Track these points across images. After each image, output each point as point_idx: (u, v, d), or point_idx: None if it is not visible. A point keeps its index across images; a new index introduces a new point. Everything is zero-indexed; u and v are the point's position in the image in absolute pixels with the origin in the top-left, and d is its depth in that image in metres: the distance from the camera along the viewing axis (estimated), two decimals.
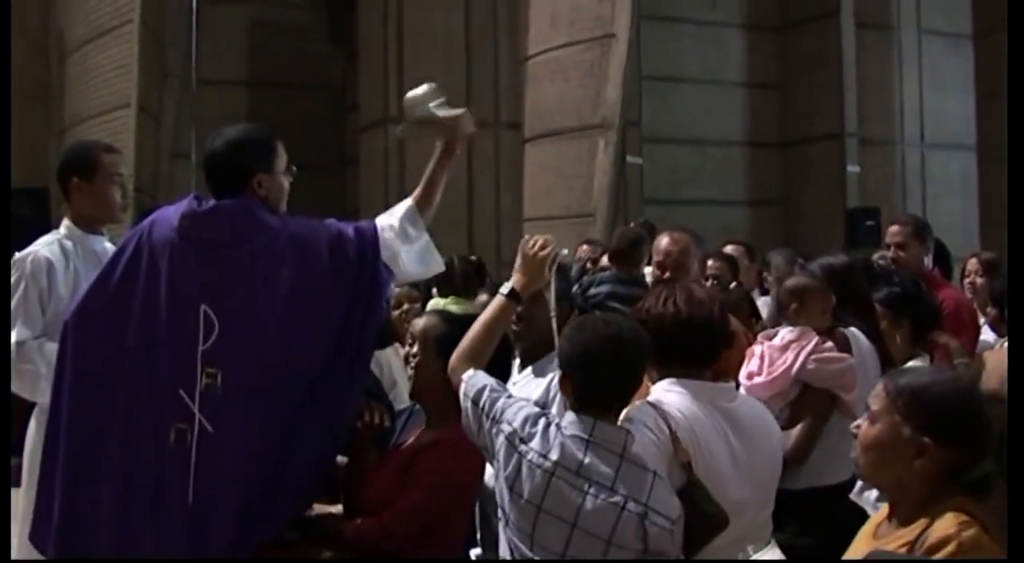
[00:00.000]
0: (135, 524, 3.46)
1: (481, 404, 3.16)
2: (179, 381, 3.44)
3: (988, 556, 2.52)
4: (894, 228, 6.16)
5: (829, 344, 4.46)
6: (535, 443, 3.01)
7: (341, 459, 3.90)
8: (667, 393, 3.30)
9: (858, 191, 14.69)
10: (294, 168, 3.79)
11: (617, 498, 2.95)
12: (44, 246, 4.33)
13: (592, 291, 6.53)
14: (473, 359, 3.35)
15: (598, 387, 3.05)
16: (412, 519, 3.50)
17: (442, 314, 4.02)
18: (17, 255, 4.33)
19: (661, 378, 3.36)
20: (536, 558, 3.00)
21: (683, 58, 14.97)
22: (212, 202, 3.61)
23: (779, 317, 4.79)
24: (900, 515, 2.71)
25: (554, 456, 2.98)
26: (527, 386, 4.04)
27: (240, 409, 3.42)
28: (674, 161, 14.85)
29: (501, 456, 3.06)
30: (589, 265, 7.77)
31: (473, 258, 7.77)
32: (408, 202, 3.76)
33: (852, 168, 14.73)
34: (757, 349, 4.51)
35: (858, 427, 2.79)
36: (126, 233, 3.73)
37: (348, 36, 15.02)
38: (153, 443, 3.44)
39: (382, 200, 12.65)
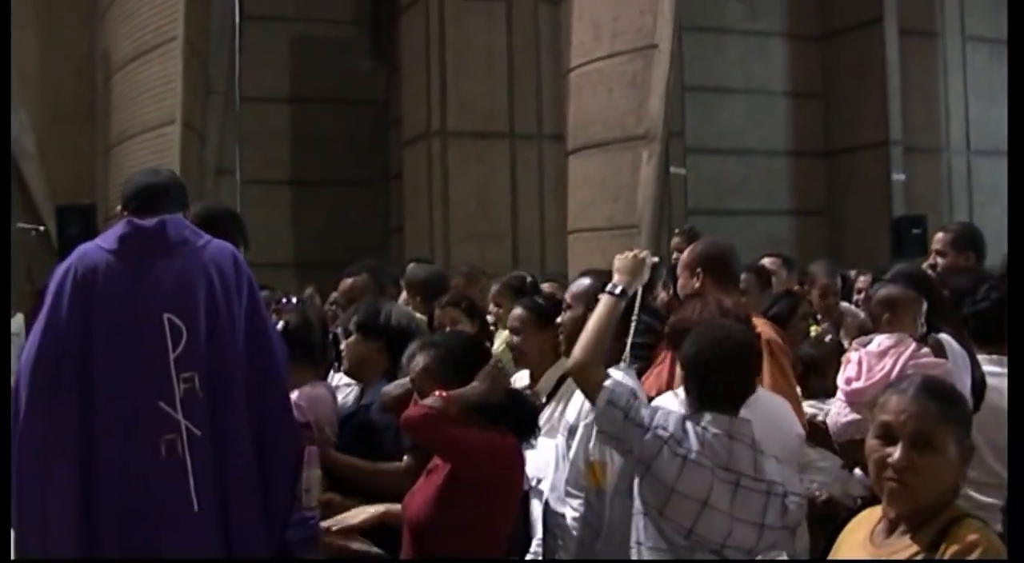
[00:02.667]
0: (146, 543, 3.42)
1: (628, 410, 3.45)
2: (156, 394, 3.44)
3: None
4: (938, 235, 6.20)
5: (926, 350, 4.48)
6: (692, 443, 3.37)
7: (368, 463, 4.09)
8: None
9: (904, 199, 14.58)
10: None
11: (762, 485, 3.37)
12: None
13: None
14: (594, 355, 3.64)
15: (730, 387, 3.46)
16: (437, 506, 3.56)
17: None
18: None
19: None
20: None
21: (727, 68, 14.94)
22: (153, 220, 3.63)
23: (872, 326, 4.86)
24: (911, 521, 2.54)
25: (711, 454, 3.36)
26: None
27: (221, 406, 3.47)
28: (718, 171, 14.83)
29: (662, 459, 3.36)
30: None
31: (529, 278, 7.54)
32: None
33: (898, 176, 14.63)
34: (854, 356, 4.57)
35: (889, 454, 2.53)
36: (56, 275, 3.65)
37: (390, 51, 15.09)
38: (147, 460, 3.41)
39: (426, 214, 12.67)
